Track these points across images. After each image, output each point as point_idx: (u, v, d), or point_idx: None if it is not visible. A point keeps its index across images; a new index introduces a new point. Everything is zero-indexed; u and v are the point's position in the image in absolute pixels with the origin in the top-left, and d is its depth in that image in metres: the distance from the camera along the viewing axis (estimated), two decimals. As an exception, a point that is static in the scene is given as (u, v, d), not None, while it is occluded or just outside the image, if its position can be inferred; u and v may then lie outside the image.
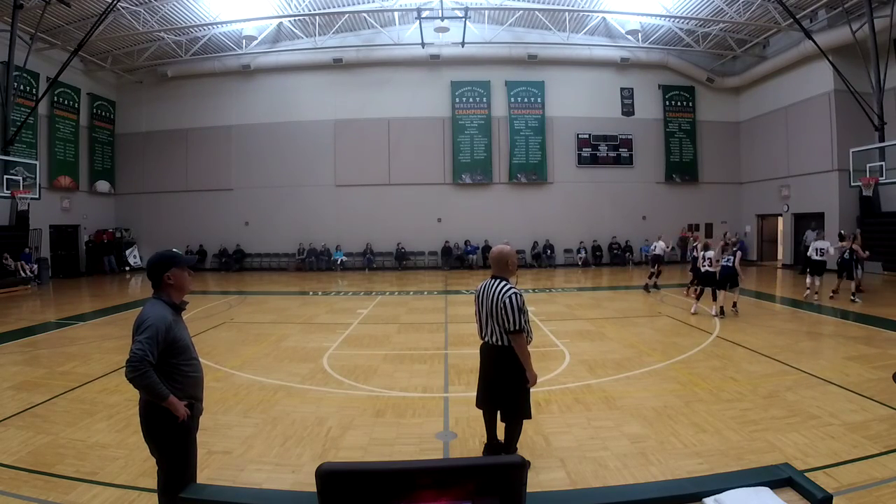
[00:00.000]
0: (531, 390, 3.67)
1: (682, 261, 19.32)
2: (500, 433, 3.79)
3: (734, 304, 9.99)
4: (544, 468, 3.70)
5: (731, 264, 9.90)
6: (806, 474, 1.41)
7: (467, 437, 4.34)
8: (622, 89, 21.67)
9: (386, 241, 20.86)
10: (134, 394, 5.69)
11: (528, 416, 3.69)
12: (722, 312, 9.60)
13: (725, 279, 9.95)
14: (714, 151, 21.99)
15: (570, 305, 11.49)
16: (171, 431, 2.58)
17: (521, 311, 3.45)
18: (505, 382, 3.58)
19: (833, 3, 15.92)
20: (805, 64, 17.74)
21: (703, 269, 10.17)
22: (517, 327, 3.43)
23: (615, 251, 21.17)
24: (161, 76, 21.05)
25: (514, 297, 3.44)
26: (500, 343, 3.56)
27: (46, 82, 17.01)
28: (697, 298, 10.34)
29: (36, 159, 16.99)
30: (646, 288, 13.38)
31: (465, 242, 20.92)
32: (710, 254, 10.04)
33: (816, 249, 11.55)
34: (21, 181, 15.74)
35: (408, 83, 21.11)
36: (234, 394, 5.49)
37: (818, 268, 11.47)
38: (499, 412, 3.74)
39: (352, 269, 20.63)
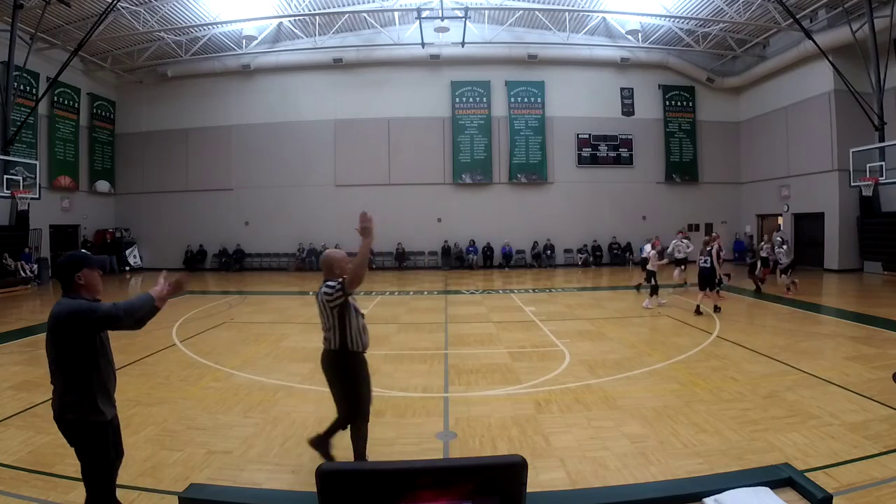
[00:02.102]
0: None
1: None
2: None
3: (715, 307, 9.88)
4: (544, 468, 3.70)
5: (708, 265, 9.78)
6: (806, 474, 1.41)
7: (467, 437, 4.34)
8: (622, 89, 21.67)
9: (386, 241, 20.82)
10: (135, 394, 5.71)
11: (365, 420, 3.61)
12: (699, 311, 9.65)
13: (703, 280, 9.84)
14: (714, 151, 21.99)
15: (570, 305, 11.49)
16: (87, 433, 2.55)
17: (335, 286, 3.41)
18: (339, 386, 3.58)
19: (833, 3, 15.91)
20: (805, 64, 17.73)
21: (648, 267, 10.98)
22: (342, 281, 3.39)
23: (615, 251, 21.17)
24: (161, 76, 21.05)
25: (328, 287, 3.44)
26: (329, 347, 3.56)
27: (46, 82, 17.01)
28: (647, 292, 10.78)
29: (36, 159, 16.98)
30: (637, 289, 12.92)
31: (470, 242, 20.93)
32: (650, 251, 11.04)
33: (676, 248, 12.87)
34: (21, 181, 15.72)
35: (408, 83, 21.10)
36: (234, 394, 5.49)
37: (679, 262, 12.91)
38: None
39: (352, 269, 20.58)
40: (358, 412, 3.58)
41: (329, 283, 3.47)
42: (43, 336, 7.79)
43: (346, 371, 3.55)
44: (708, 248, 9.93)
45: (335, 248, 20.56)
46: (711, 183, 21.98)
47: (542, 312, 10.49)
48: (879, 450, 3.81)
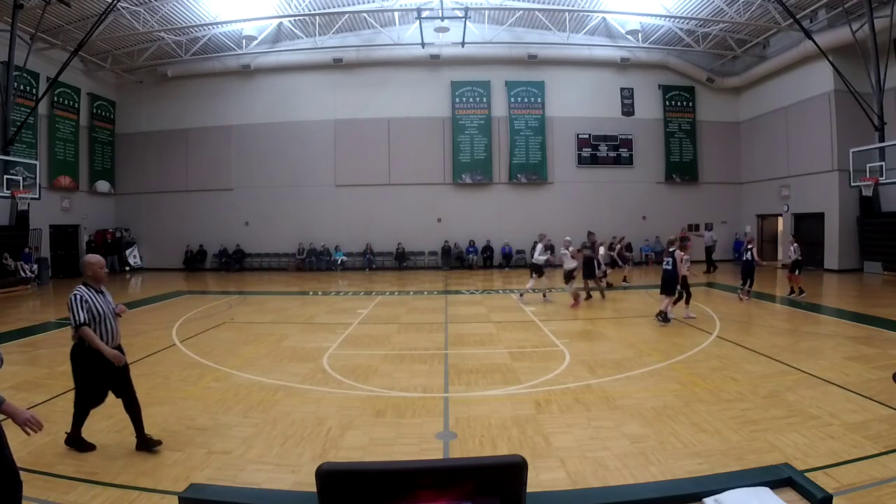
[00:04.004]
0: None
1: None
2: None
3: (663, 312, 8.95)
4: (544, 468, 3.70)
5: (671, 267, 9.01)
6: (806, 474, 1.41)
7: (467, 437, 4.34)
8: (622, 89, 21.66)
9: (386, 241, 20.85)
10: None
11: (79, 407, 3.99)
12: (666, 318, 8.88)
13: (666, 284, 8.99)
14: (714, 151, 21.98)
15: (569, 305, 11.47)
16: None
17: (79, 308, 3.82)
18: (75, 374, 4.00)
19: (833, 3, 15.90)
20: (805, 64, 17.72)
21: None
22: (74, 324, 3.82)
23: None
24: (161, 76, 21.03)
25: (71, 297, 3.86)
26: (73, 341, 3.97)
27: (46, 82, 17.00)
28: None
29: (36, 159, 16.96)
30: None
31: (470, 242, 20.93)
32: (538, 246, 10.95)
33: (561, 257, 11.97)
34: (21, 181, 15.71)
35: (408, 83, 21.10)
36: (234, 394, 5.49)
37: (536, 269, 12.04)
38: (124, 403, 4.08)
39: (352, 269, 20.62)
40: (77, 398, 4.00)
41: (77, 292, 3.89)
42: (43, 336, 7.76)
43: (79, 362, 3.96)
44: (671, 249, 9.17)
45: (335, 248, 20.48)
46: (711, 183, 21.97)
47: (541, 312, 10.49)
48: (879, 450, 3.81)
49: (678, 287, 9.38)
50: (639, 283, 15.85)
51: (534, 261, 12.19)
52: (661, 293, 9.12)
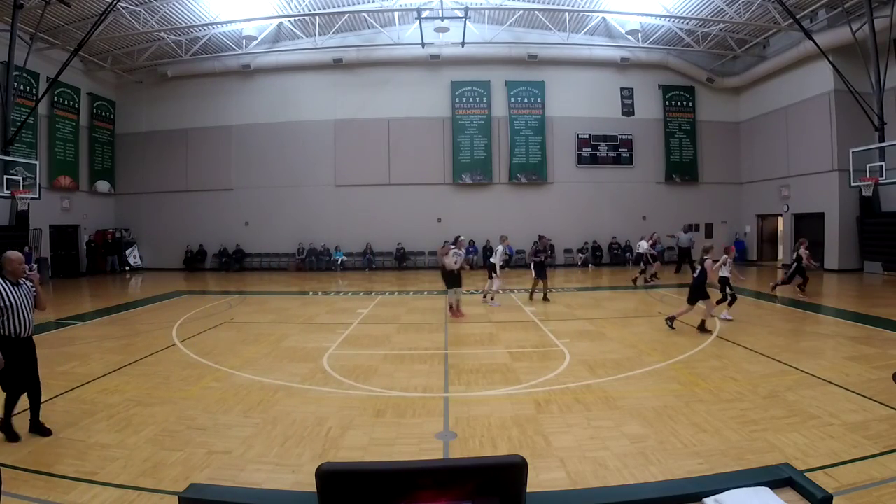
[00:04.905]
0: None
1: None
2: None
3: (672, 318, 8.63)
4: (544, 468, 3.70)
5: (698, 276, 8.47)
6: (806, 474, 1.41)
7: (467, 437, 4.34)
8: (622, 89, 21.66)
9: (386, 241, 20.85)
10: (135, 394, 5.70)
11: (11, 392, 4.26)
12: (672, 324, 8.55)
13: (691, 291, 8.50)
14: (714, 151, 21.98)
15: (570, 305, 11.49)
16: None
17: None
18: None
19: (833, 3, 15.90)
20: (805, 64, 17.72)
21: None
22: None
23: (615, 251, 21.16)
24: (161, 76, 21.03)
25: None
26: None
27: (46, 82, 16.99)
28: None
29: (36, 159, 16.96)
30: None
31: (470, 242, 20.91)
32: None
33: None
34: (21, 181, 15.70)
35: (408, 83, 21.10)
36: (234, 394, 5.49)
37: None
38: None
39: (352, 269, 20.62)
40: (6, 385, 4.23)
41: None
42: (41, 336, 7.73)
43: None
44: (704, 258, 8.59)
45: (335, 248, 20.39)
46: (711, 183, 21.97)
47: (541, 312, 10.49)
48: (879, 450, 3.81)
49: (725, 292, 9.24)
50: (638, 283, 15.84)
51: (493, 261, 11.92)
52: (689, 302, 8.61)
